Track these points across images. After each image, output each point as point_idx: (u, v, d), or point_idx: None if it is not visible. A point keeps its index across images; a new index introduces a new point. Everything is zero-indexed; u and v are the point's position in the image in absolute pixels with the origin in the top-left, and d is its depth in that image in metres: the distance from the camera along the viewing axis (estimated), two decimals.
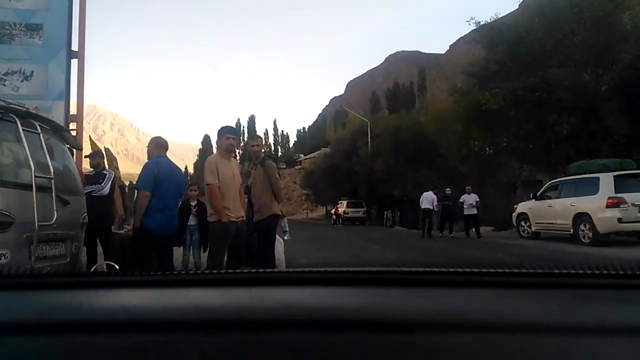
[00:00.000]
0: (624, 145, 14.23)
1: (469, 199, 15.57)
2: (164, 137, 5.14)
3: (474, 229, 15.52)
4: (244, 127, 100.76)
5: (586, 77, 13.66)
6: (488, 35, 16.81)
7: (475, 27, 17.71)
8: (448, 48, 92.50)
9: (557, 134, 14.28)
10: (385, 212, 33.63)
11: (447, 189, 16.44)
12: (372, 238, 16.59)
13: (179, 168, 5.03)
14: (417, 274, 0.74)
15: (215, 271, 0.81)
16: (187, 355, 0.56)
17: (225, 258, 4.67)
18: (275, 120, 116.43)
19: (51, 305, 0.68)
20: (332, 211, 34.17)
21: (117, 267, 3.94)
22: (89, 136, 10.32)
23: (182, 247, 6.62)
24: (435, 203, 15.99)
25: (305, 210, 50.74)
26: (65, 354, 0.58)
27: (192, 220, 6.58)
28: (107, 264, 4.39)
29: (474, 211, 15.53)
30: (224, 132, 4.80)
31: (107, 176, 5.88)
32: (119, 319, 0.62)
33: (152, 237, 4.50)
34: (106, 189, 5.74)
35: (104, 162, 6.36)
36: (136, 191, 4.66)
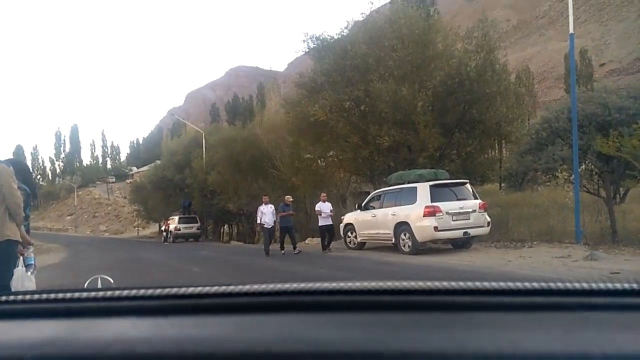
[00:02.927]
0: (437, 157, 15.16)
1: (326, 208, 13.76)
2: None
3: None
4: (65, 137, 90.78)
5: (404, 92, 14.21)
6: (316, 47, 16.84)
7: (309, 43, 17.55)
8: (286, 66, 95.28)
9: (379, 146, 14.64)
10: (222, 227, 32.32)
11: (288, 197, 14.36)
12: (199, 258, 15.24)
13: None
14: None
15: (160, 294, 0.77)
16: None
17: None
18: (103, 131, 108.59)
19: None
20: (163, 228, 31.72)
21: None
22: None
23: None
24: (275, 213, 13.85)
25: (137, 228, 46.94)
26: None
27: None
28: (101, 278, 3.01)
29: (329, 221, 13.78)
30: None
31: None
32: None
33: None
34: None
35: None
36: None
